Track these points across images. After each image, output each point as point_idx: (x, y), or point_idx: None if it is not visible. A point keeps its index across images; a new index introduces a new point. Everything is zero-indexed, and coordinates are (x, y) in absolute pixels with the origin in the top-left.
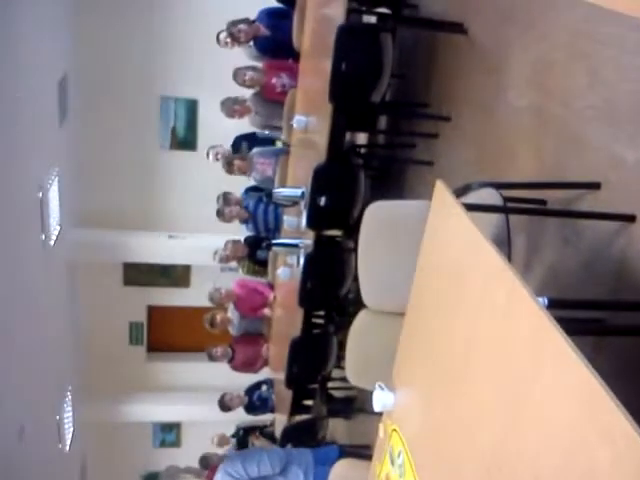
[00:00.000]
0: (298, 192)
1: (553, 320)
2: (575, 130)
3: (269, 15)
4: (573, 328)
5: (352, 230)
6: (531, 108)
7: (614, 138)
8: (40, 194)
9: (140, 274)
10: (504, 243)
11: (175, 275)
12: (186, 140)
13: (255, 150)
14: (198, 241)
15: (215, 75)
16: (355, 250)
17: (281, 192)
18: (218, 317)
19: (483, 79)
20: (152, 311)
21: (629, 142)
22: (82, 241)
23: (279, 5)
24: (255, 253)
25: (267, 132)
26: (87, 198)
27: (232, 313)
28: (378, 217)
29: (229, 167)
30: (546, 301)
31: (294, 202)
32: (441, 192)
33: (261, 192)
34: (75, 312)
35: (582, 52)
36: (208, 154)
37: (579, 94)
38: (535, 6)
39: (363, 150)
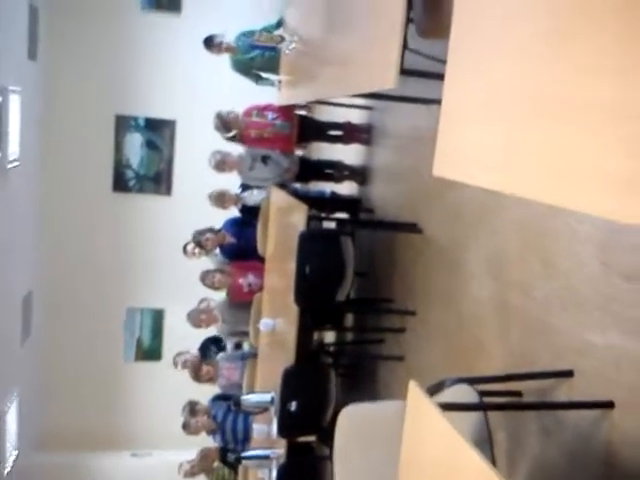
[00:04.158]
0: (267, 397)
1: None
2: (539, 318)
3: (234, 224)
4: None
5: (326, 435)
6: (493, 299)
7: (580, 324)
8: None
9: None
10: (485, 441)
11: None
12: (151, 350)
13: (221, 355)
14: (163, 458)
15: (182, 284)
16: (330, 458)
17: (249, 399)
18: None
19: (443, 273)
20: None
21: (595, 327)
22: (39, 465)
23: (242, 215)
24: (226, 455)
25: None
26: (47, 418)
27: None
28: (353, 422)
29: (197, 375)
30: None
31: (264, 408)
32: (415, 394)
33: (228, 400)
34: None
35: (533, 244)
36: (176, 363)
37: (537, 283)
38: (481, 204)
39: (332, 348)
